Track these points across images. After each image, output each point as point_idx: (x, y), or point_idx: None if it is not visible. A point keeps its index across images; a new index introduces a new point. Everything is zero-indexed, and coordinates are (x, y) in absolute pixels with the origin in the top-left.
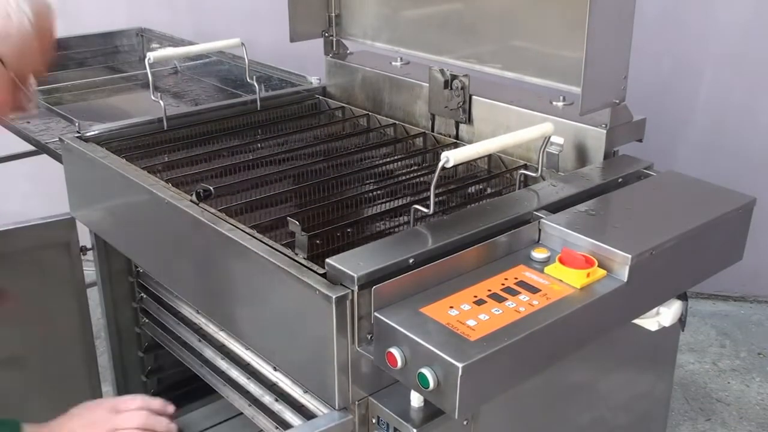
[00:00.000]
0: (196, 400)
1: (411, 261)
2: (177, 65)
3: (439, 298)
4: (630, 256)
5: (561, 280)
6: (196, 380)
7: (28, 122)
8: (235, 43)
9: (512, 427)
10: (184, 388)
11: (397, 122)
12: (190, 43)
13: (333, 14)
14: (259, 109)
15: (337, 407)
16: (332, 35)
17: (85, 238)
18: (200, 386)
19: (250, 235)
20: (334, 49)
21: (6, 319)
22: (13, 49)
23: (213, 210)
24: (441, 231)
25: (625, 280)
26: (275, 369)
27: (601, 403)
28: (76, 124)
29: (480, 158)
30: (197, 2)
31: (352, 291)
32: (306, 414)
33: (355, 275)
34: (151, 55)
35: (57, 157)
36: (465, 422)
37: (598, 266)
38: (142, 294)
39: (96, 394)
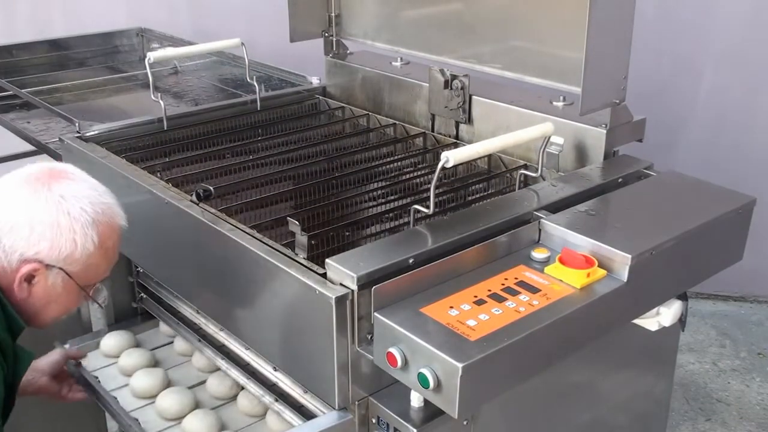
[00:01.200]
0: None
1: (411, 261)
2: (177, 65)
3: (439, 298)
4: (630, 256)
5: (561, 280)
6: None
7: (28, 122)
8: (235, 43)
9: (512, 427)
10: None
11: (397, 122)
12: (190, 43)
13: (333, 14)
14: (259, 109)
15: (337, 407)
16: (332, 35)
17: None
18: None
19: (250, 235)
20: (334, 49)
21: None
22: (79, 267)
23: (213, 210)
24: (441, 231)
25: (625, 280)
26: (275, 369)
27: (601, 403)
28: (76, 124)
29: (480, 158)
30: (197, 2)
31: (352, 291)
32: (306, 414)
33: (355, 275)
34: (151, 55)
35: (57, 157)
36: (465, 422)
37: (598, 266)
38: (142, 294)
39: None
